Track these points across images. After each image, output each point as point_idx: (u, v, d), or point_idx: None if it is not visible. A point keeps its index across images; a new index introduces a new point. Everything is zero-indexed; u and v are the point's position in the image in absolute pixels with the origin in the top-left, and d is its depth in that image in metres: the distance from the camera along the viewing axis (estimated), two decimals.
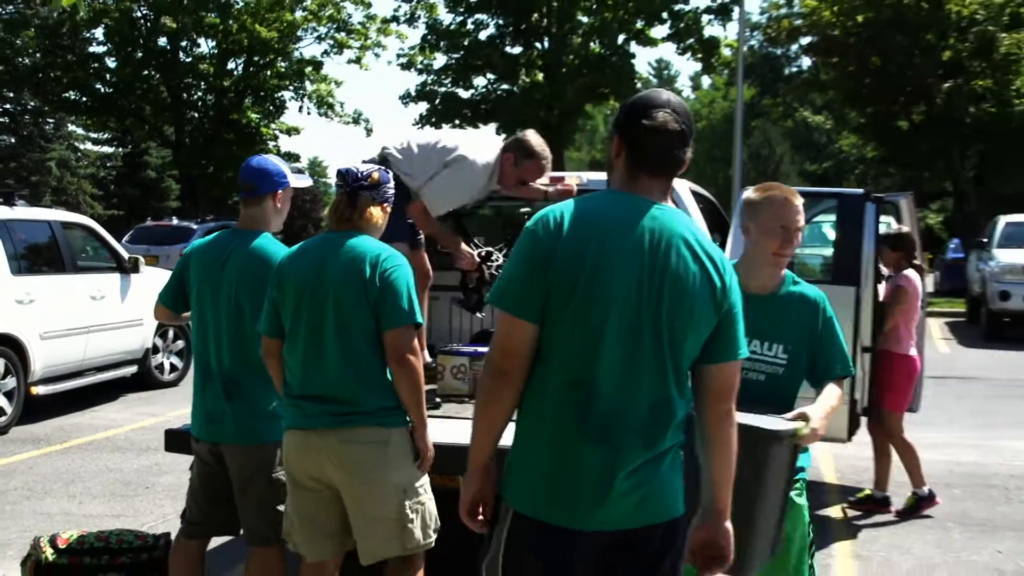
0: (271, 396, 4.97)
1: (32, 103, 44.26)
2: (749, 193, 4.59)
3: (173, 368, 13.35)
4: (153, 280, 12.55)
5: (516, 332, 3.18)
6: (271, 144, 35.76)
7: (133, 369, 12.57)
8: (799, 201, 4.26)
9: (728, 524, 3.32)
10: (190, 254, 5.24)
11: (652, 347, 3.14)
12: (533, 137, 6.37)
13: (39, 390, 10.73)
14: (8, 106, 49.54)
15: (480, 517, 3.35)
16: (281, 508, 5.01)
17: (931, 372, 12.51)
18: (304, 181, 5.54)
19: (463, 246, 6.66)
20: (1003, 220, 22.03)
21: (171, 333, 13.27)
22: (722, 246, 8.01)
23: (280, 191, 5.18)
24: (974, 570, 6.84)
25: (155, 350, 13.01)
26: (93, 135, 50.19)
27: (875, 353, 7.90)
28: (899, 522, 7.87)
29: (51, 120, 50.06)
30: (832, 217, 8.03)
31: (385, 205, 4.73)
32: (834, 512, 8.12)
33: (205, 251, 5.19)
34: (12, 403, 10.32)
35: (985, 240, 21.82)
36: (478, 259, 6.74)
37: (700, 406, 3.27)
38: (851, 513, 8.15)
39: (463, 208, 6.83)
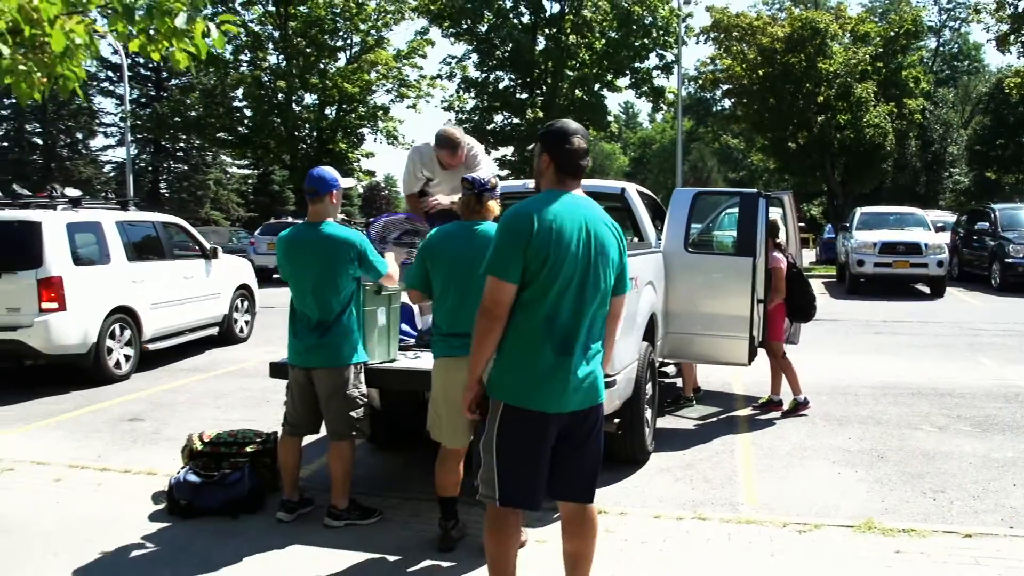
0: (345, 335, 5.12)
1: (197, 141, 44.26)
2: None
3: (243, 328, 13.11)
4: (227, 263, 12.74)
5: (505, 291, 3.46)
6: (355, 165, 35.80)
7: (215, 331, 12.38)
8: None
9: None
10: (281, 243, 5.29)
11: (592, 290, 3.52)
12: (442, 128, 6.28)
13: (150, 346, 10.64)
14: (182, 144, 49.82)
15: (477, 412, 3.70)
16: (353, 415, 5.09)
17: None
18: (349, 182, 5.54)
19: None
20: (859, 211, 22.41)
21: (242, 302, 13.06)
22: (660, 229, 8.01)
23: (335, 191, 5.26)
24: (832, 449, 6.87)
25: (234, 316, 12.82)
26: (237, 162, 50.19)
27: (764, 304, 7.89)
28: (781, 419, 7.87)
29: (209, 152, 50.20)
30: (736, 209, 7.95)
31: (497, 200, 4.81)
32: (741, 413, 8.12)
33: (292, 239, 5.28)
34: (132, 355, 10.25)
35: (848, 224, 21.88)
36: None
37: (607, 321, 3.71)
38: (752, 413, 8.16)
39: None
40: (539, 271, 3.43)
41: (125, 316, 10.12)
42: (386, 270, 5.23)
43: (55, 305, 9.08)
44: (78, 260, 9.46)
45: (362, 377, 5.24)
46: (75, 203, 10.09)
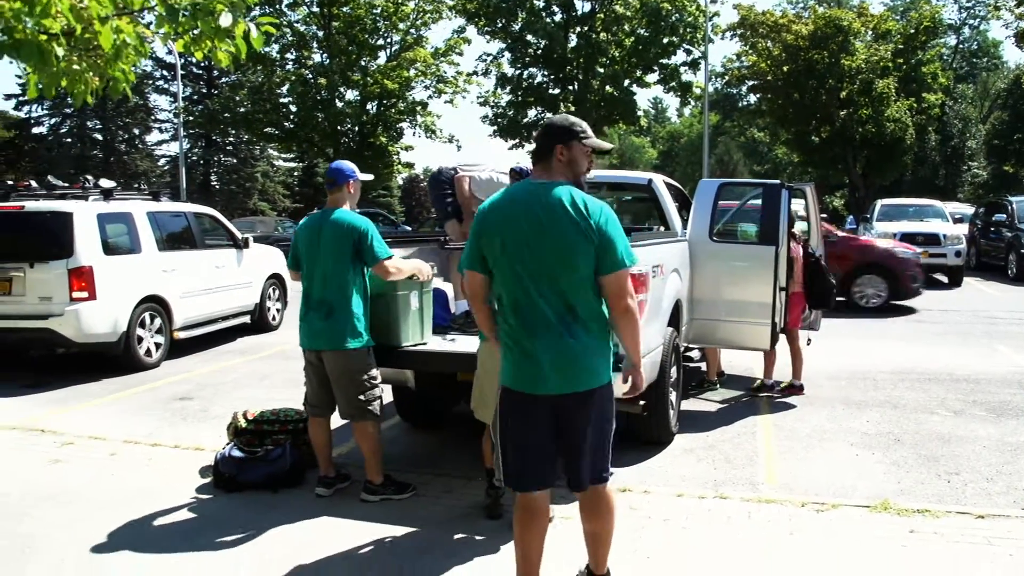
0: (350, 319, 5.10)
1: (245, 136, 44.46)
2: None
3: (275, 316, 12.81)
4: (258, 253, 12.48)
5: (472, 280, 3.58)
6: (395, 158, 35.85)
7: (247, 319, 12.08)
8: None
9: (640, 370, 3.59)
10: (299, 228, 5.35)
11: (547, 273, 3.37)
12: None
13: (180, 334, 10.38)
14: (231, 138, 50.16)
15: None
16: (361, 397, 5.17)
17: None
18: (366, 176, 5.46)
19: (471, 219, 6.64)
20: (880, 203, 22.10)
21: (273, 291, 12.77)
22: (686, 220, 7.94)
23: (351, 181, 5.24)
24: (850, 432, 6.79)
25: (266, 304, 12.54)
26: (283, 155, 50.55)
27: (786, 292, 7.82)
28: (802, 404, 7.78)
29: (257, 146, 50.45)
30: (759, 200, 7.87)
31: None
32: (763, 397, 8.04)
33: (308, 225, 5.32)
34: (162, 343, 10.03)
35: (868, 216, 21.58)
36: None
37: (608, 304, 3.44)
38: (772, 396, 8.08)
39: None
40: (496, 260, 3.46)
41: (155, 305, 9.92)
42: (382, 257, 5.12)
43: (86, 294, 8.91)
44: (109, 250, 9.29)
45: (371, 360, 5.22)
46: (107, 194, 9.92)
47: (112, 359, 9.43)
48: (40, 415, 7.56)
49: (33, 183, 10.43)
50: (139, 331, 9.63)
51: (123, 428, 7.04)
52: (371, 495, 5.22)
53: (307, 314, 5.22)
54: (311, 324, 5.19)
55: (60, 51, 3.98)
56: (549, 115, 33.94)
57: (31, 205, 9.28)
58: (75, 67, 4.14)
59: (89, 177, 10.44)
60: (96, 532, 4.73)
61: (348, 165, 5.36)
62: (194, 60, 46.09)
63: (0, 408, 7.85)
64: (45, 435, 6.83)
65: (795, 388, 8.10)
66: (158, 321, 9.96)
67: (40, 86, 4.33)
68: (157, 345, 9.95)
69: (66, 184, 10.38)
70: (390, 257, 5.16)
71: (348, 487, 5.43)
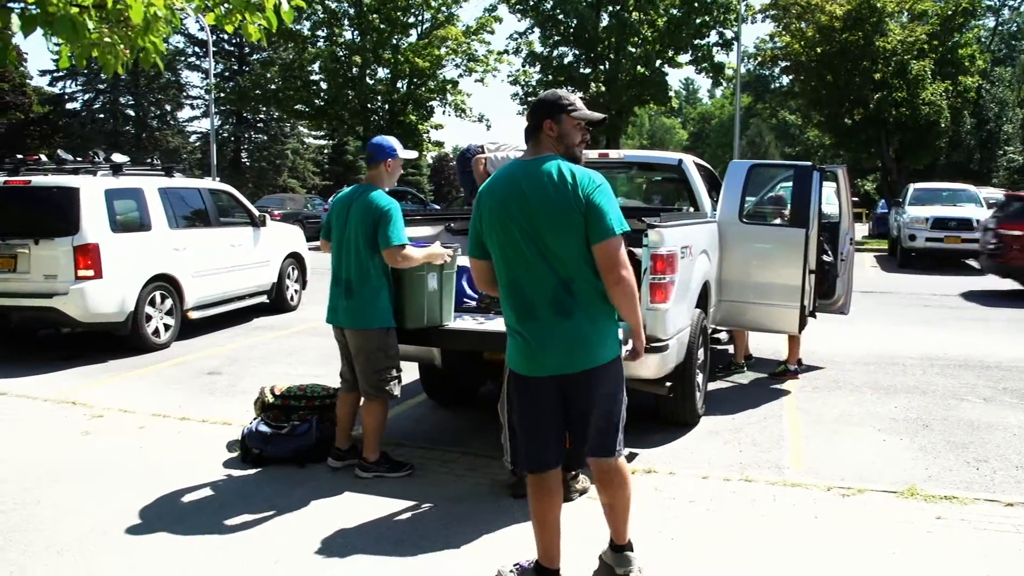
0: (375, 299, 5.08)
1: (276, 113, 44.62)
2: None
3: (293, 296, 12.44)
4: (276, 231, 12.16)
5: (476, 266, 3.61)
6: (425, 136, 35.87)
7: (263, 298, 11.71)
8: None
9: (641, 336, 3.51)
10: (333, 200, 5.34)
11: (538, 250, 3.34)
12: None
13: (193, 315, 10.11)
14: (262, 115, 50.36)
15: None
16: (376, 376, 5.17)
17: (862, 288, 12.30)
18: (410, 154, 5.41)
19: None
20: (913, 187, 21.86)
21: (292, 271, 12.40)
22: (716, 202, 7.87)
23: (390, 159, 5.17)
24: (878, 417, 6.72)
25: (285, 283, 12.20)
26: (313, 133, 50.69)
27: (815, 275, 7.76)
28: (830, 388, 7.72)
29: (288, 124, 50.66)
30: (790, 183, 7.80)
31: None
32: (790, 380, 7.98)
33: (340, 200, 5.31)
34: (172, 323, 9.74)
35: (901, 200, 21.40)
36: None
37: (601, 275, 3.34)
38: (799, 380, 8.03)
39: None
40: (493, 242, 3.46)
41: (166, 284, 9.62)
42: (395, 242, 4.98)
43: (91, 272, 8.62)
44: (116, 227, 9.00)
45: (390, 341, 5.19)
46: (116, 169, 9.56)
47: (120, 339, 9.22)
48: (72, 388, 7.65)
49: (43, 157, 10.12)
50: (148, 310, 9.36)
51: (152, 401, 7.11)
52: (364, 472, 5.23)
53: (333, 289, 5.25)
54: (333, 301, 5.22)
55: (91, 23, 3.99)
56: (579, 94, 33.82)
57: (37, 180, 9.03)
58: (106, 39, 4.15)
59: (99, 151, 10.17)
60: (125, 503, 4.78)
61: (389, 142, 5.26)
62: (226, 37, 46.52)
63: (33, 381, 7.97)
64: (76, 407, 6.92)
65: (791, 373, 8.05)
66: (168, 301, 9.69)
67: (72, 56, 4.35)
68: (167, 326, 9.68)
69: (79, 158, 10.14)
70: (402, 245, 5.01)
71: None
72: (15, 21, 3.78)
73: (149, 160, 11.69)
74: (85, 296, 8.61)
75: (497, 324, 5.26)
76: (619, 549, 3.73)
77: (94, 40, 4.12)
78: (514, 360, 3.50)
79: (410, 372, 7.54)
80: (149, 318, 9.39)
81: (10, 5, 4.08)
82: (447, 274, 5.48)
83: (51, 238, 8.61)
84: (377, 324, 5.12)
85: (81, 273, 8.60)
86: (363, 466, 5.26)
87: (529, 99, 34.08)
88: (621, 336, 3.52)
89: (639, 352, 3.57)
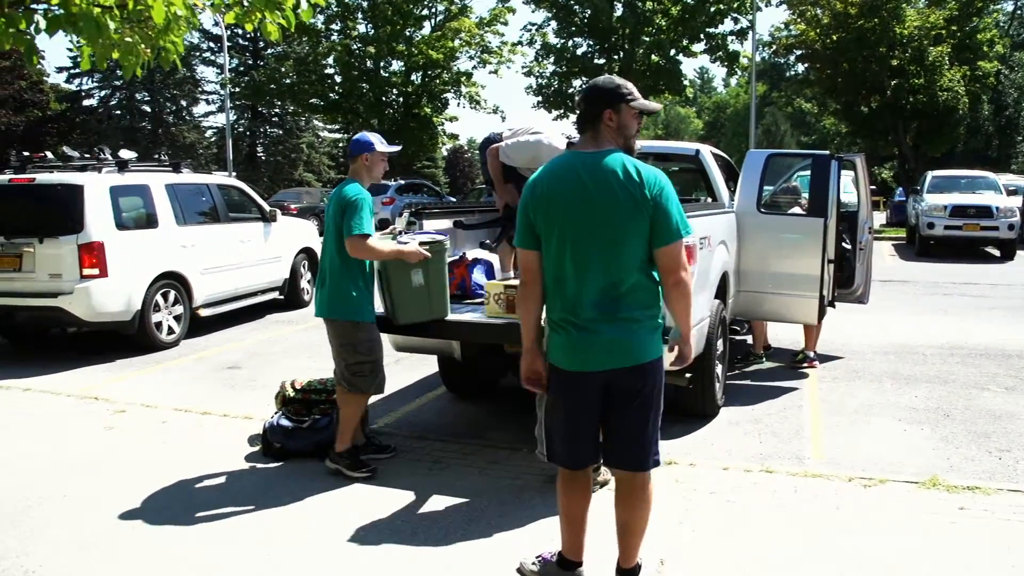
0: (346, 290, 5.06)
1: (291, 107, 44.65)
2: None
3: (307, 291, 12.17)
4: (288, 226, 12.02)
5: (526, 257, 3.43)
6: (440, 129, 35.89)
7: (275, 295, 11.52)
8: None
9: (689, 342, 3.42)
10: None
11: (593, 246, 3.24)
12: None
13: (203, 312, 9.97)
14: (277, 109, 50.48)
15: (540, 382, 3.51)
16: (346, 369, 5.17)
17: (880, 277, 12.24)
18: (391, 148, 5.34)
19: (503, 191, 6.51)
20: (931, 174, 21.75)
21: (304, 266, 12.18)
22: (733, 192, 7.85)
23: (367, 153, 5.14)
24: (898, 407, 6.69)
25: (298, 279, 12.01)
26: (328, 126, 50.70)
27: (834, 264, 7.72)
28: (850, 378, 7.69)
29: (303, 118, 50.67)
30: (808, 172, 7.76)
31: None
32: (809, 370, 7.94)
33: (330, 195, 5.24)
34: (180, 321, 9.61)
35: (919, 188, 21.27)
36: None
37: (661, 277, 3.29)
38: (810, 368, 8.00)
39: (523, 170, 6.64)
40: (542, 234, 3.35)
41: (173, 282, 9.47)
42: (355, 231, 4.90)
43: (96, 271, 8.51)
44: (122, 224, 8.88)
45: (360, 335, 5.12)
46: (122, 166, 9.41)
47: (126, 338, 9.12)
48: (94, 383, 7.72)
49: (49, 154, 10.04)
50: (156, 309, 9.24)
51: (174, 396, 7.17)
52: (330, 462, 5.24)
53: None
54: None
55: (112, 24, 4.02)
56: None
57: (41, 177, 8.94)
58: (127, 39, 4.18)
59: (104, 148, 10.07)
60: (148, 497, 4.83)
61: (366, 137, 5.25)
62: (240, 32, 46.57)
63: (57, 376, 8.05)
64: (99, 402, 6.98)
65: (809, 360, 8.03)
66: (176, 299, 9.56)
67: (93, 57, 4.38)
68: (175, 324, 9.55)
69: (86, 155, 10.01)
70: (363, 235, 4.92)
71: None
72: (40, 22, 3.83)
73: (157, 156, 11.60)
74: (90, 295, 8.52)
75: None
76: (626, 574, 3.60)
77: (115, 41, 4.14)
78: (555, 355, 3.40)
79: (430, 364, 7.59)
80: (157, 316, 9.28)
81: (34, 6, 4.11)
82: (436, 268, 5.28)
83: (55, 236, 8.53)
84: (345, 316, 5.08)
85: (86, 272, 8.51)
86: (331, 456, 5.26)
87: (543, 91, 34.01)
88: (668, 342, 3.44)
89: (687, 357, 3.44)
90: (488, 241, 6.56)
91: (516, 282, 5.32)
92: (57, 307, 8.52)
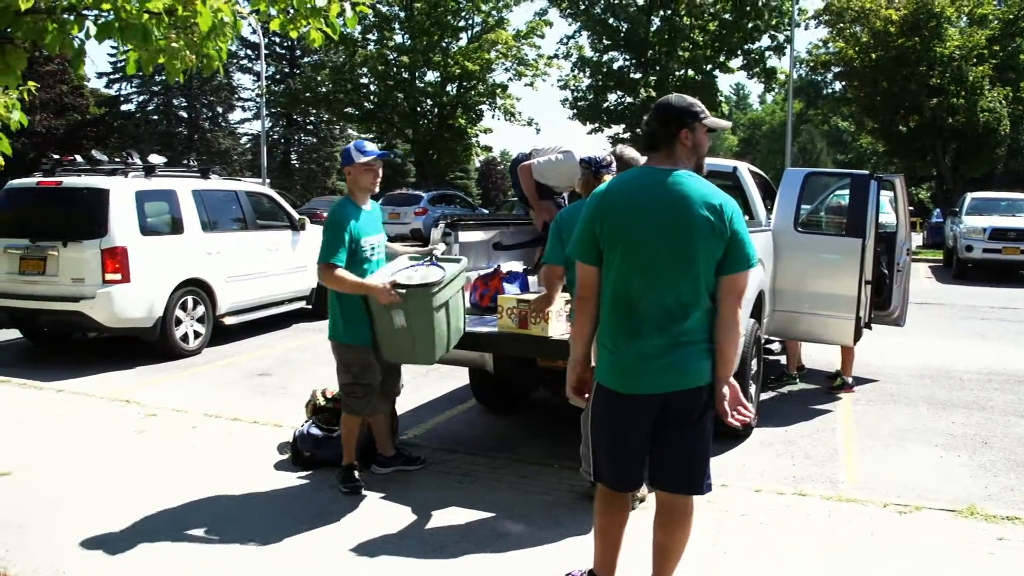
0: (334, 311, 4.96)
1: (325, 116, 45.01)
2: None
3: None
4: (316, 235, 11.82)
5: (584, 272, 3.37)
6: (474, 140, 36.01)
7: (303, 304, 11.39)
8: None
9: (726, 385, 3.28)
10: None
11: (664, 267, 3.19)
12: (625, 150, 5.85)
13: (228, 320, 9.92)
14: (312, 118, 50.87)
15: (584, 395, 3.51)
16: (340, 388, 5.15)
17: (917, 300, 12.10)
18: (363, 158, 4.97)
19: (541, 209, 6.54)
20: (970, 196, 21.53)
21: None
22: (770, 210, 7.80)
23: (347, 167, 4.97)
24: (935, 433, 6.60)
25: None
26: (363, 135, 50.99)
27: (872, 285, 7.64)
28: (885, 401, 7.60)
29: (337, 126, 51.10)
30: (846, 191, 7.71)
31: (612, 175, 4.62)
32: (844, 393, 7.85)
33: None
34: (204, 330, 9.53)
35: (957, 209, 21.07)
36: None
37: (720, 304, 3.23)
38: (852, 393, 7.91)
39: (556, 189, 6.66)
40: (606, 249, 3.27)
41: (197, 289, 9.41)
42: (320, 260, 4.77)
43: (119, 276, 8.47)
44: (146, 230, 8.86)
45: (350, 357, 4.99)
46: (149, 171, 9.38)
47: (148, 345, 9.06)
48: (126, 386, 7.79)
49: (78, 158, 9.99)
50: (179, 315, 9.17)
51: (204, 401, 7.21)
52: (336, 477, 5.20)
53: None
54: None
55: (157, 31, 4.06)
56: (629, 100, 33.67)
57: (68, 181, 8.95)
58: (173, 45, 4.23)
59: (133, 152, 10.00)
60: (177, 503, 4.85)
61: (348, 149, 5.05)
62: (278, 40, 47.03)
63: (89, 379, 8.14)
64: (130, 405, 7.04)
65: (847, 386, 7.92)
66: (200, 306, 9.47)
67: (139, 63, 4.44)
68: (197, 332, 9.45)
69: (116, 159, 9.94)
70: (328, 265, 4.74)
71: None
72: (91, 28, 3.88)
73: (186, 161, 11.56)
74: (112, 300, 8.48)
75: (551, 329, 5.21)
76: None
77: (161, 47, 4.19)
78: (606, 375, 3.32)
79: (461, 376, 7.59)
80: (179, 323, 9.20)
81: (85, 12, 4.17)
82: (419, 313, 4.74)
83: (79, 240, 8.52)
84: (337, 337, 4.99)
85: (109, 277, 8.47)
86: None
87: (578, 103, 34.03)
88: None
89: (722, 398, 3.30)
90: (526, 266, 6.56)
91: (529, 297, 5.34)
92: (78, 311, 8.49)
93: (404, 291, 4.67)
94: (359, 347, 4.96)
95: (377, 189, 5.14)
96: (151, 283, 8.84)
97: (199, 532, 4.47)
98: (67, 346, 9.78)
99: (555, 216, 5.06)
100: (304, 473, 5.43)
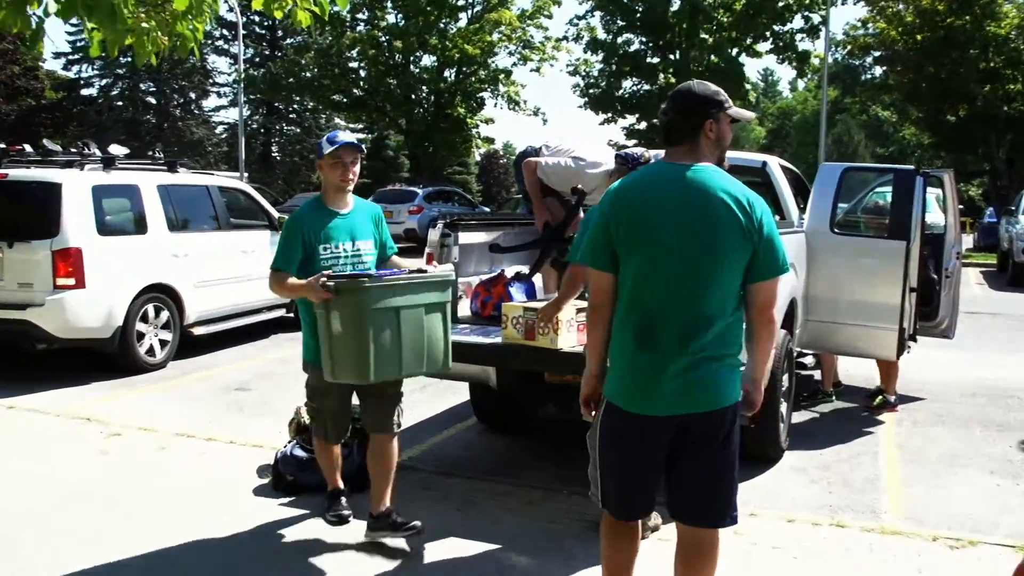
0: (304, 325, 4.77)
1: (310, 103, 45.00)
2: None
3: None
4: None
5: (597, 278, 3.33)
6: (474, 131, 36.03)
7: (282, 312, 11.07)
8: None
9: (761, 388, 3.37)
10: None
11: (688, 274, 3.15)
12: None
13: (198, 331, 9.72)
14: (295, 106, 50.88)
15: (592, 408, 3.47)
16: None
17: (967, 309, 12.05)
18: (335, 146, 4.56)
19: (542, 209, 6.54)
20: None
21: None
22: (804, 208, 7.80)
23: (320, 160, 4.69)
24: (990, 458, 6.58)
25: None
26: (351, 126, 51.11)
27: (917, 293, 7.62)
28: (932, 423, 7.58)
29: (324, 115, 51.10)
30: (888, 188, 7.70)
31: None
32: (886, 412, 7.82)
33: None
34: (169, 340, 9.33)
35: (1013, 208, 21.08)
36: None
37: (747, 313, 3.24)
38: (893, 412, 7.89)
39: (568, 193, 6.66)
40: (622, 253, 3.22)
41: (162, 295, 9.22)
42: (271, 265, 4.63)
43: (72, 281, 8.23)
44: (104, 229, 8.64)
45: (309, 374, 4.88)
46: (108, 163, 9.15)
47: (106, 358, 8.89)
48: (86, 403, 7.78)
49: (27, 147, 9.72)
50: (140, 326, 8.96)
51: (174, 419, 7.20)
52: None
53: None
54: None
55: (127, 9, 4.06)
56: (646, 86, 33.70)
57: (15, 173, 8.72)
58: (143, 24, 4.23)
59: (89, 142, 9.83)
60: (144, 532, 4.84)
61: (324, 138, 4.72)
62: (257, 19, 47.06)
63: (44, 394, 8.10)
64: (92, 424, 7.04)
65: (890, 406, 7.89)
66: (165, 314, 9.28)
67: (103, 43, 4.43)
68: (163, 343, 9.29)
69: (73, 150, 9.73)
70: (274, 269, 4.60)
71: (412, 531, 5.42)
72: (50, 5, 3.89)
73: (151, 153, 11.42)
74: (64, 308, 8.27)
75: (559, 341, 5.21)
76: None
77: (130, 26, 4.19)
78: (617, 393, 3.29)
79: (460, 392, 7.58)
80: (141, 334, 9.02)
81: None
82: (350, 318, 4.29)
83: (28, 241, 8.31)
84: (303, 352, 4.86)
85: (60, 282, 8.24)
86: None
87: (589, 90, 34.06)
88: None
89: (756, 404, 3.39)
90: (523, 270, 6.54)
91: (536, 305, 5.33)
92: (25, 320, 8.26)
93: (332, 284, 4.24)
94: (311, 365, 4.77)
95: (350, 187, 4.71)
96: (109, 289, 8.64)
97: (167, 566, 4.47)
98: (15, 359, 9.69)
99: (562, 216, 5.04)
100: (287, 499, 5.42)
